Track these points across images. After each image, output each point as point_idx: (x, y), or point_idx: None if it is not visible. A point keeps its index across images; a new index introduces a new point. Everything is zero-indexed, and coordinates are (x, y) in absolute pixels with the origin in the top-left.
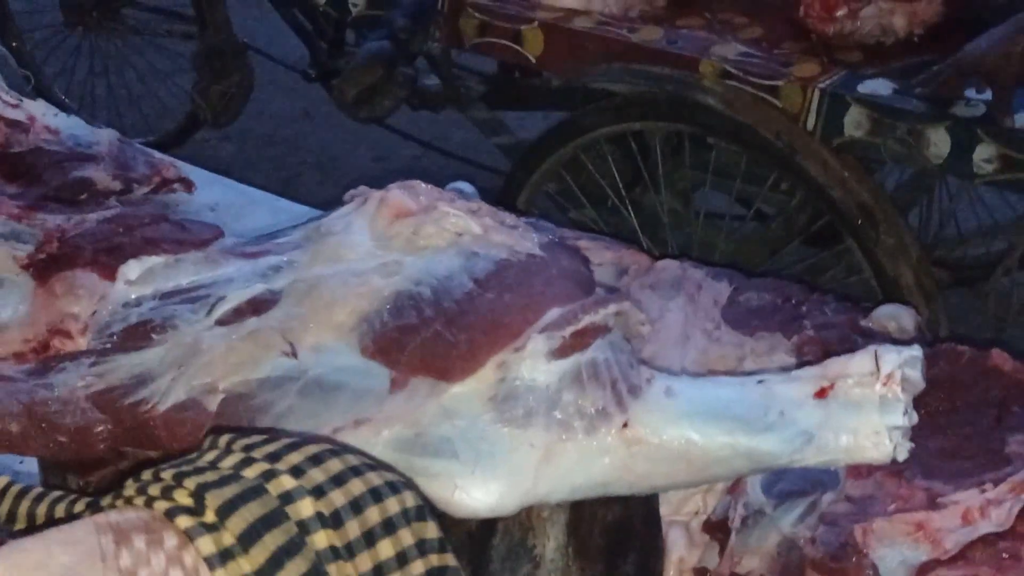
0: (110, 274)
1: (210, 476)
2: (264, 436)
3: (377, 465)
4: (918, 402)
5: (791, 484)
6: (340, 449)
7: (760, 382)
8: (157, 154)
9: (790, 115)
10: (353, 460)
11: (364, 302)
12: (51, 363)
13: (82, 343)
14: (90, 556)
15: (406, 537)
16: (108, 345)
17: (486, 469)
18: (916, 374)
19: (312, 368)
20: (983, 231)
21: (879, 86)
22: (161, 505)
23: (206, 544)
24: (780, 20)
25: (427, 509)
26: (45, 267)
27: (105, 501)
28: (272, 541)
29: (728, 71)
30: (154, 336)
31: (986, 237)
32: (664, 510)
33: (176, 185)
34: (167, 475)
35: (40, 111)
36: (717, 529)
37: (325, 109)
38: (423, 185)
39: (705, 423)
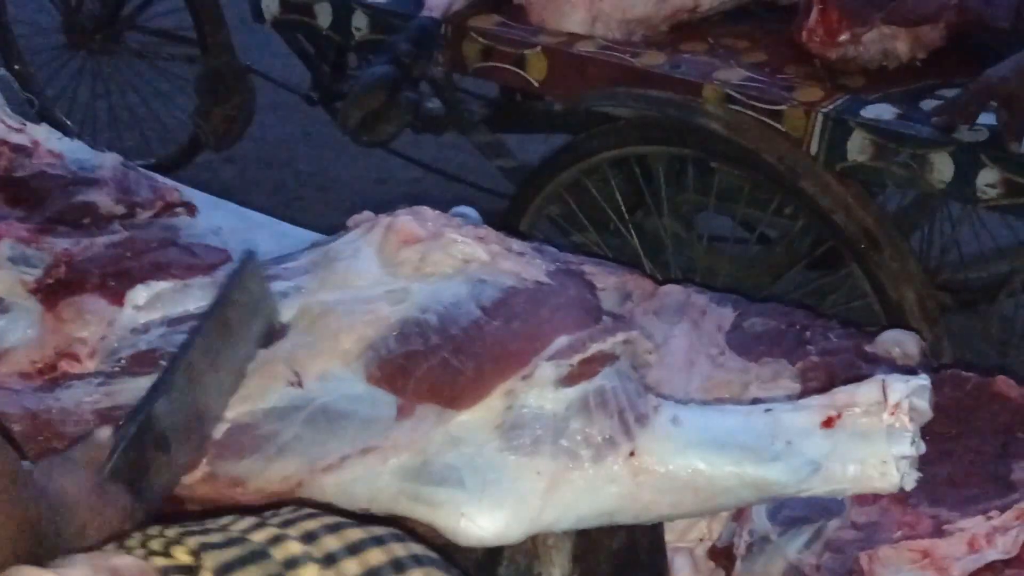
0: (118, 299)
1: (214, 537)
2: (296, 510)
3: (406, 537)
4: (923, 429)
5: (796, 511)
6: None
7: (767, 411)
8: (160, 178)
9: (793, 140)
10: (378, 531)
11: (371, 330)
12: (59, 381)
13: (90, 366)
14: None
15: None
16: (116, 368)
17: (492, 497)
18: (924, 404)
19: (318, 397)
20: (985, 255)
21: (882, 111)
22: (158, 560)
23: None
24: (783, 45)
25: None
26: (53, 292)
27: (107, 547)
28: None
29: (731, 95)
30: (162, 363)
31: (988, 261)
32: (668, 536)
33: (179, 209)
34: (172, 532)
35: (44, 135)
36: (722, 556)
37: (326, 132)
38: (430, 211)
39: (712, 452)
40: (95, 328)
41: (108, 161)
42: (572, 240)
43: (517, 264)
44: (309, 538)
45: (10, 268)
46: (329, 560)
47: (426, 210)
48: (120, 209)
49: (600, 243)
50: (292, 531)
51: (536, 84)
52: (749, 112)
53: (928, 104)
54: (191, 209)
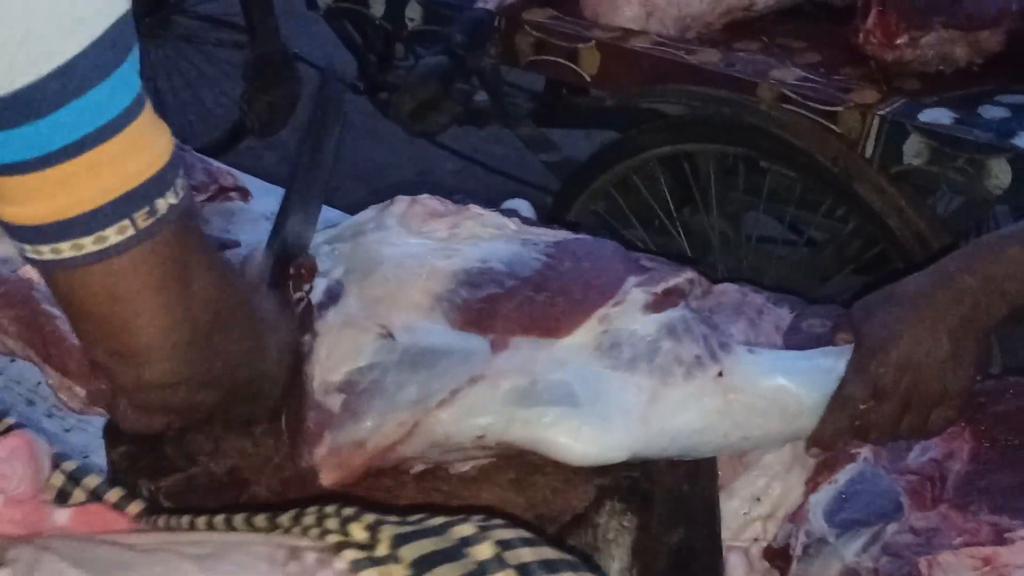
0: None
1: (393, 518)
2: (487, 518)
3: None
4: (986, 436)
5: (854, 513)
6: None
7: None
8: (215, 162)
9: (848, 141)
10: (571, 558)
11: (433, 283)
12: None
13: None
14: (261, 558)
15: None
16: None
17: (601, 412)
18: None
19: (411, 343)
20: None
21: (939, 115)
22: (333, 538)
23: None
24: (838, 46)
25: None
26: None
27: (282, 518)
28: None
29: (786, 95)
30: None
31: None
32: (723, 535)
33: (233, 194)
34: (348, 510)
35: None
36: (778, 557)
37: (369, 122)
38: (448, 200)
39: (795, 374)
40: None
41: None
42: (617, 237)
43: (546, 233)
44: (504, 545)
45: None
46: (523, 571)
47: (442, 198)
48: None
49: (646, 240)
50: (490, 534)
51: (589, 79)
52: (804, 112)
53: (986, 110)
54: (244, 194)
